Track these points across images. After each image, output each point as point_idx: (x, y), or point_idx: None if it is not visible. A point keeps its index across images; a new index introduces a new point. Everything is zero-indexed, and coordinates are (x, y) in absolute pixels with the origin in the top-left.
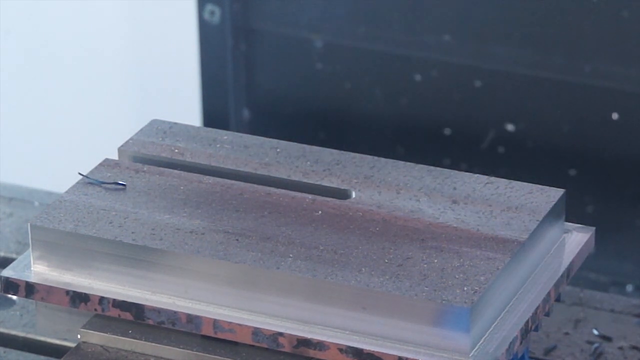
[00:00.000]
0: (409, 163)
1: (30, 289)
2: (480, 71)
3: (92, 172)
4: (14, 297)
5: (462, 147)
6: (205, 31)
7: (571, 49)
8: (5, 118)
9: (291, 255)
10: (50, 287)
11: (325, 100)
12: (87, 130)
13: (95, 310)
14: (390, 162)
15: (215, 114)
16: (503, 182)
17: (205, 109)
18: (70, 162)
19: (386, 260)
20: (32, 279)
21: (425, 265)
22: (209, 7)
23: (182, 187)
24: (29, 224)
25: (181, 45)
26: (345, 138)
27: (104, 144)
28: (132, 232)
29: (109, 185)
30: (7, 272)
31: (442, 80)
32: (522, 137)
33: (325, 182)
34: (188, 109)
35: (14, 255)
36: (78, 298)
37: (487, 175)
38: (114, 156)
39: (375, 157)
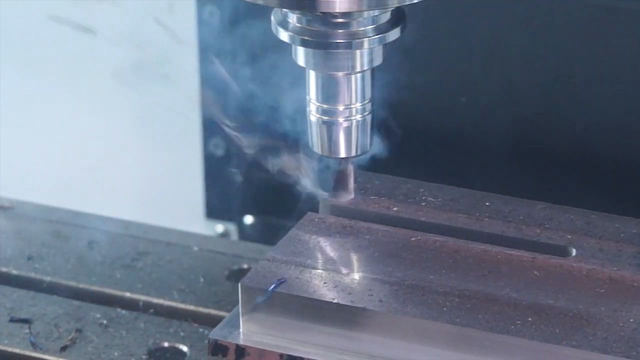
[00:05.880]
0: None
1: (240, 352)
2: None
3: (298, 226)
4: None
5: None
6: (205, 32)
7: None
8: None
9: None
10: (263, 350)
11: None
12: (85, 130)
13: None
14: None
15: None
16: None
17: (205, 109)
18: (68, 162)
19: (621, 324)
20: (242, 341)
21: None
22: (209, 7)
23: (393, 244)
24: (239, 284)
25: (180, 45)
26: None
27: (103, 144)
28: (349, 294)
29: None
30: (216, 334)
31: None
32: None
33: (542, 239)
34: (187, 110)
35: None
36: None
37: None
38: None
39: (590, 211)
